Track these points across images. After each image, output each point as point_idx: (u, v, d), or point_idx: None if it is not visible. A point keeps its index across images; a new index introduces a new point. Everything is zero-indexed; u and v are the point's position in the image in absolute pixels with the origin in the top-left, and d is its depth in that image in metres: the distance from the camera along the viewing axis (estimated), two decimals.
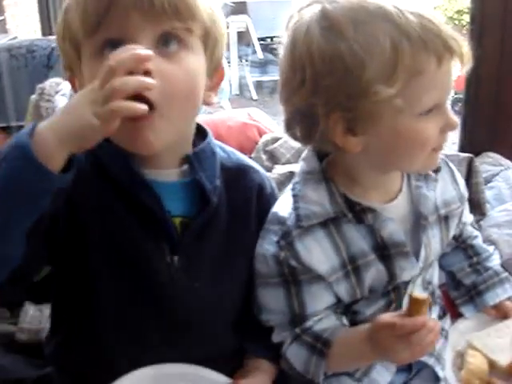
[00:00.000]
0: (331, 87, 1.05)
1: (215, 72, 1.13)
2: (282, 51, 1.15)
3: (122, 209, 1.07)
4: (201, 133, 1.17)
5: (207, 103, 1.13)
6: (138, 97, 0.91)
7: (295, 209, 1.16)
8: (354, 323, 1.22)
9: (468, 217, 1.42)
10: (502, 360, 1.25)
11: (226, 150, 1.23)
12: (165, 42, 1.00)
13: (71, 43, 1.04)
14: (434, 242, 1.24)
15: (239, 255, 1.18)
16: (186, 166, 1.12)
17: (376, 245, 1.17)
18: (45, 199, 0.90)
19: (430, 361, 1.26)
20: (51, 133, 0.88)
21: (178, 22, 1.00)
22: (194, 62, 1.04)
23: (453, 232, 1.31)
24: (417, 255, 1.21)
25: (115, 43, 0.97)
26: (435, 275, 1.33)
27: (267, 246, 1.17)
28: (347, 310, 1.23)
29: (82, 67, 1.04)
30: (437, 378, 1.26)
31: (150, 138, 0.99)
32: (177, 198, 1.11)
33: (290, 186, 1.22)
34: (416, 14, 1.05)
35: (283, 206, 1.19)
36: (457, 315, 1.40)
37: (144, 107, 0.89)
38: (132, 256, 1.08)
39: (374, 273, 1.18)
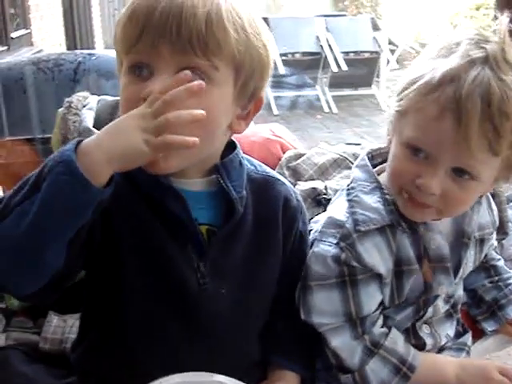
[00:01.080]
0: None
1: (249, 102, 1.13)
2: None
3: (150, 217, 1.10)
4: (229, 144, 1.19)
5: (235, 131, 1.15)
6: None
7: (352, 213, 1.21)
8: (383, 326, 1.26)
9: (494, 241, 1.44)
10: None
11: (253, 163, 1.25)
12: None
13: (117, 53, 1.09)
14: (470, 261, 1.29)
15: (265, 265, 1.21)
16: (213, 176, 1.14)
17: (421, 256, 1.22)
18: (87, 211, 0.94)
19: None
20: (99, 152, 0.92)
21: (204, 58, 1.02)
22: (217, 95, 1.05)
23: (484, 254, 1.36)
24: (455, 272, 1.26)
25: (140, 67, 1.04)
26: (458, 290, 1.35)
27: (326, 247, 1.22)
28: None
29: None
30: None
31: (161, 165, 1.02)
32: (204, 206, 1.14)
33: (344, 191, 1.27)
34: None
35: (338, 210, 1.25)
36: (478, 336, 1.41)
37: (195, 139, 0.94)
38: (161, 262, 1.11)
39: (414, 282, 1.23)
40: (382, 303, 1.24)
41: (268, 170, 1.28)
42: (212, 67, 1.03)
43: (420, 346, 1.29)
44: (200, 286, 1.13)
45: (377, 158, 1.31)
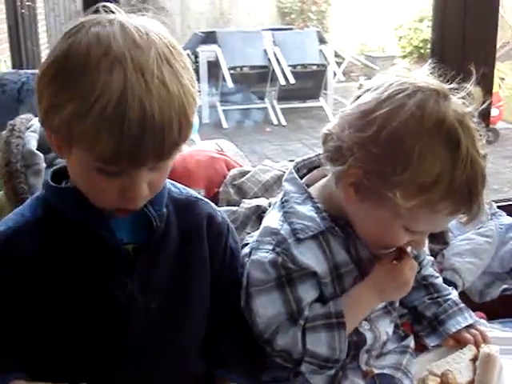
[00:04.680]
0: (380, 157, 1.17)
1: None
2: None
3: (73, 248, 1.16)
4: None
5: None
6: (134, 210, 1.13)
7: (290, 224, 1.28)
8: None
9: (430, 257, 1.54)
10: (461, 379, 1.34)
11: (177, 186, 1.31)
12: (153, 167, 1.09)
13: (68, 139, 1.05)
14: None
15: (192, 279, 1.25)
16: None
17: (354, 257, 1.31)
18: None
19: (397, 374, 1.35)
20: None
21: (178, 148, 1.09)
22: (172, 161, 1.14)
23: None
24: None
25: (114, 173, 1.05)
26: None
27: (263, 254, 1.28)
28: None
29: (72, 152, 1.07)
30: None
31: (137, 205, 1.13)
32: (127, 226, 1.19)
33: (278, 204, 1.35)
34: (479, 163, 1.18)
35: (273, 221, 1.32)
36: (421, 349, 1.46)
37: None
38: (90, 287, 1.15)
39: (352, 281, 1.30)
40: (318, 299, 1.30)
41: (192, 192, 1.33)
42: (177, 149, 1.10)
43: (361, 341, 1.34)
44: (129, 302, 1.16)
45: (302, 169, 1.39)
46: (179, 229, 1.24)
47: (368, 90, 1.23)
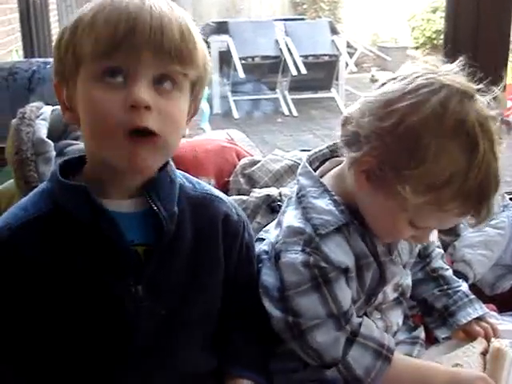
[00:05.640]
0: (395, 150, 1.16)
1: (191, 110, 1.19)
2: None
3: (79, 249, 1.11)
4: None
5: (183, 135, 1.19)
6: (142, 128, 1.04)
7: (309, 219, 1.26)
8: None
9: (432, 237, 1.49)
10: None
11: (191, 181, 1.26)
12: (160, 81, 1.07)
13: (74, 56, 1.08)
14: (404, 248, 1.37)
15: (207, 279, 1.22)
16: (142, 196, 1.15)
17: (371, 249, 1.29)
18: None
19: None
20: None
21: (179, 66, 1.08)
22: (183, 101, 1.12)
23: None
24: (391, 254, 1.33)
25: (115, 72, 1.05)
26: (406, 280, 1.42)
27: (293, 255, 1.25)
28: None
29: (78, 82, 1.09)
30: None
31: (148, 158, 1.08)
32: (138, 226, 1.15)
33: (294, 199, 1.32)
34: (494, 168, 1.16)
35: (294, 219, 1.29)
36: (431, 342, 1.46)
37: None
38: (97, 292, 1.12)
39: (372, 274, 1.29)
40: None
41: (207, 187, 1.29)
42: (182, 75, 1.09)
43: None
44: (137, 308, 1.13)
45: (315, 162, 1.37)
46: (193, 229, 1.20)
47: (394, 78, 1.21)
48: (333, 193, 1.28)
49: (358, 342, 1.25)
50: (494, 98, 1.20)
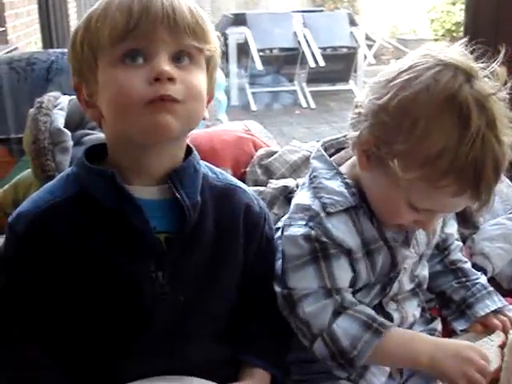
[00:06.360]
0: (387, 125, 1.17)
1: (209, 91, 1.19)
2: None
3: (106, 234, 1.13)
4: (188, 151, 1.22)
5: (203, 117, 1.19)
6: (166, 96, 1.06)
7: (319, 198, 1.27)
8: None
9: (452, 229, 1.48)
10: (489, 366, 1.28)
11: (214, 171, 1.28)
12: (178, 58, 1.11)
13: (91, 49, 1.11)
14: (419, 232, 1.34)
15: (225, 269, 1.23)
16: (166, 184, 1.16)
17: (381, 234, 1.28)
18: None
19: None
20: None
21: (194, 41, 1.11)
22: (202, 76, 1.15)
23: (438, 229, 1.40)
24: (408, 244, 1.32)
25: (135, 53, 1.08)
26: (423, 270, 1.41)
27: (296, 229, 1.26)
28: None
29: (98, 74, 1.11)
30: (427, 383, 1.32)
31: (171, 120, 1.08)
32: (161, 214, 1.16)
33: (306, 180, 1.34)
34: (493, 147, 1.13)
35: (303, 197, 1.31)
36: (448, 335, 1.44)
37: None
38: (117, 277, 1.13)
39: (383, 258, 1.28)
40: (353, 284, 1.28)
41: (230, 177, 1.31)
42: (199, 50, 1.13)
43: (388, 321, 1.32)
44: (156, 294, 1.15)
45: (330, 148, 1.37)
46: (215, 218, 1.21)
47: (398, 59, 1.22)
48: (345, 176, 1.29)
49: (347, 313, 1.24)
50: (492, 74, 1.17)
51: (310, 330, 1.24)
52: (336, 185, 1.27)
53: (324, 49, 8.38)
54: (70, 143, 1.57)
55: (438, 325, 1.43)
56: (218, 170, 1.29)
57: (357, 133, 1.22)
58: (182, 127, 1.11)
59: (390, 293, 1.33)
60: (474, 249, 1.80)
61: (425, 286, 1.42)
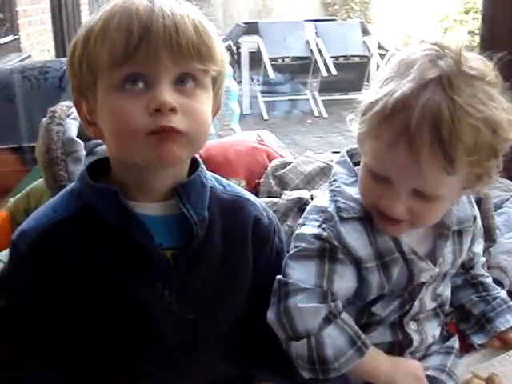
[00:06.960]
0: None
1: (214, 106, 1.17)
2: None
3: (111, 252, 1.11)
4: (194, 164, 1.19)
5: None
6: (167, 128, 1.02)
7: (335, 201, 1.26)
8: (369, 324, 1.30)
9: (479, 248, 1.45)
10: (507, 383, 1.30)
11: (222, 183, 1.25)
12: (181, 81, 1.06)
13: (89, 70, 1.06)
14: (447, 251, 1.31)
15: (234, 284, 1.20)
16: (173, 200, 1.14)
17: (397, 246, 1.25)
18: None
19: (442, 376, 1.32)
20: None
21: (199, 63, 1.05)
22: (206, 98, 1.10)
23: (465, 248, 1.36)
24: (435, 261, 1.29)
25: (136, 78, 1.03)
26: (446, 291, 1.38)
27: (309, 228, 1.25)
28: (364, 311, 1.29)
29: (97, 95, 1.07)
30: None
31: (175, 149, 1.05)
32: (167, 230, 1.14)
33: (326, 183, 1.33)
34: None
35: (321, 199, 1.30)
36: (466, 350, 1.41)
37: None
38: (124, 295, 1.11)
39: (399, 270, 1.26)
40: (363, 295, 1.27)
41: (238, 189, 1.27)
42: (204, 71, 1.08)
43: (407, 342, 1.30)
44: (164, 312, 1.12)
45: (355, 156, 1.35)
46: (223, 233, 1.18)
47: None
48: None
49: (337, 323, 1.22)
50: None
51: (293, 327, 1.21)
52: (354, 191, 1.26)
53: (336, 58, 8.38)
54: (83, 153, 1.57)
55: (455, 342, 1.40)
56: (225, 181, 1.26)
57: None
58: (187, 154, 1.10)
59: (410, 311, 1.30)
60: (491, 262, 1.77)
61: (447, 307, 1.39)
